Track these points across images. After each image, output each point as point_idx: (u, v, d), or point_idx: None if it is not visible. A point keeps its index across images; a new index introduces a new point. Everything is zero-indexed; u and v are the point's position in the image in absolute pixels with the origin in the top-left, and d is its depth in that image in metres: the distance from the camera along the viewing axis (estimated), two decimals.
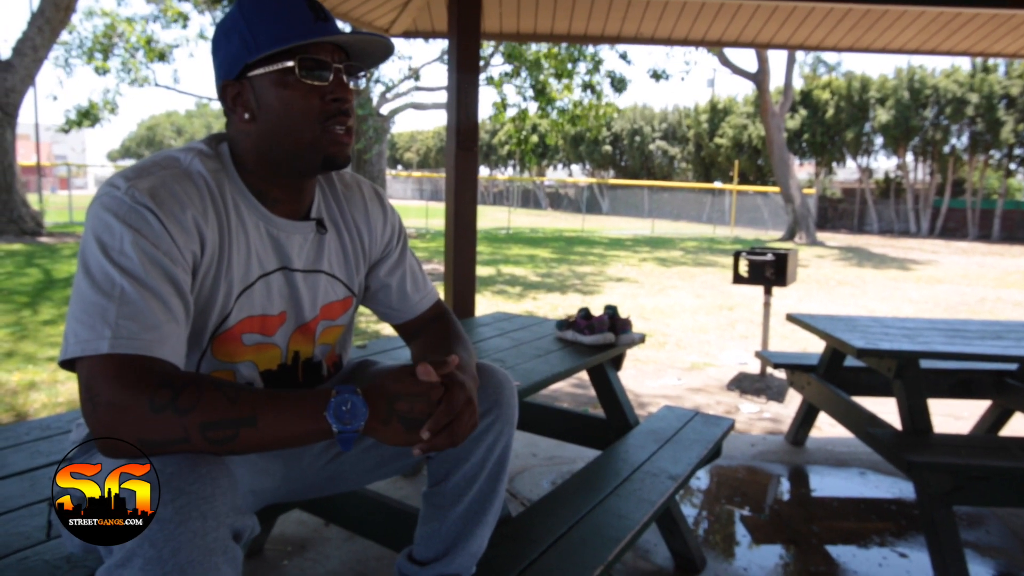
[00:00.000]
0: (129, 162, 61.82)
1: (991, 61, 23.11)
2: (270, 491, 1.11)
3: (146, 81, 14.51)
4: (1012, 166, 25.27)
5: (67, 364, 0.87)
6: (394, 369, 0.95)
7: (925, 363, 2.75)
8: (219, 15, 13.52)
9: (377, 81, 16.06)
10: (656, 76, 15.15)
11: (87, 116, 14.46)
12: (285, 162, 1.04)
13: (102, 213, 0.90)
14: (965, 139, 25.22)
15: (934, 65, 26.43)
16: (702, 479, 2.81)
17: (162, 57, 14.37)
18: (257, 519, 0.88)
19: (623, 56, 15.24)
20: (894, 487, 2.77)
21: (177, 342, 0.90)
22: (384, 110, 16.30)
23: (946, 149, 25.85)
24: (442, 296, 3.28)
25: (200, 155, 1.02)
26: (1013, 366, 2.95)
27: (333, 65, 1.02)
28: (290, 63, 0.99)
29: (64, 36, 13.94)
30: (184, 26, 14.11)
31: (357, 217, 1.20)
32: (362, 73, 1.09)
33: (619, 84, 14.77)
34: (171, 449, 0.81)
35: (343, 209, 1.19)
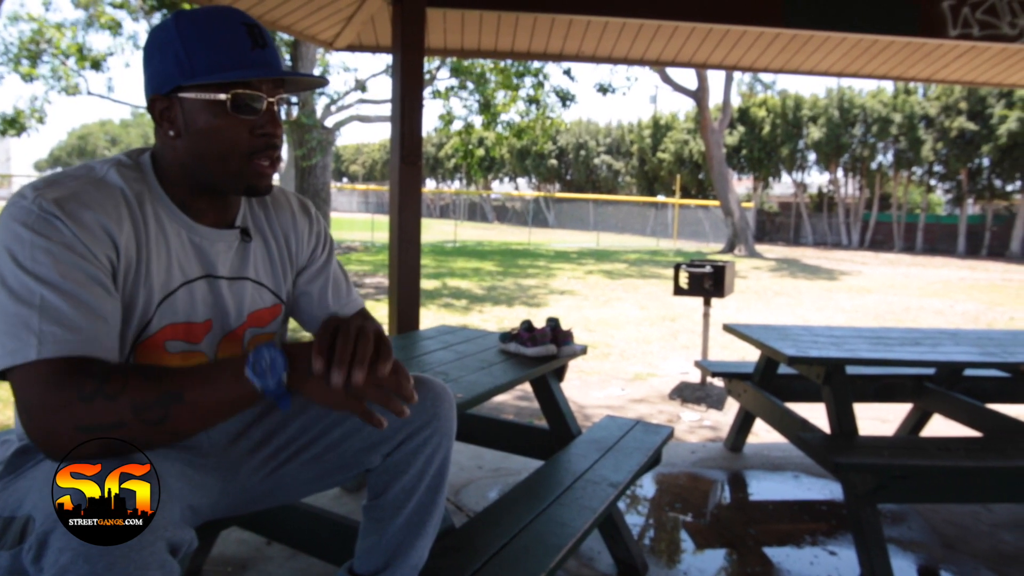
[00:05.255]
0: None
1: (911, 84, 24.47)
2: (208, 507, 1.10)
3: (77, 90, 13.97)
4: (932, 182, 26.79)
5: (2, 377, 0.87)
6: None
7: (851, 369, 2.89)
8: (156, 22, 13.13)
9: (322, 93, 15.86)
10: (603, 90, 15.55)
11: (12, 124, 13.82)
12: (207, 181, 1.05)
13: (11, 224, 0.89)
14: (890, 156, 26.64)
15: (861, 86, 27.92)
16: (645, 487, 2.87)
17: (95, 65, 13.86)
18: (195, 533, 0.87)
19: (567, 72, 15.55)
20: (825, 489, 2.89)
21: (107, 339, 0.90)
22: (329, 122, 16.09)
23: (873, 165, 27.28)
24: (386, 310, 3.28)
25: (118, 165, 1.02)
26: (931, 370, 3.13)
27: (267, 99, 1.02)
28: (223, 96, 0.98)
29: None
30: (117, 34, 13.65)
31: (285, 225, 1.21)
32: (295, 101, 1.08)
33: (565, 97, 15.03)
34: (110, 434, 0.82)
35: (270, 218, 1.20)
